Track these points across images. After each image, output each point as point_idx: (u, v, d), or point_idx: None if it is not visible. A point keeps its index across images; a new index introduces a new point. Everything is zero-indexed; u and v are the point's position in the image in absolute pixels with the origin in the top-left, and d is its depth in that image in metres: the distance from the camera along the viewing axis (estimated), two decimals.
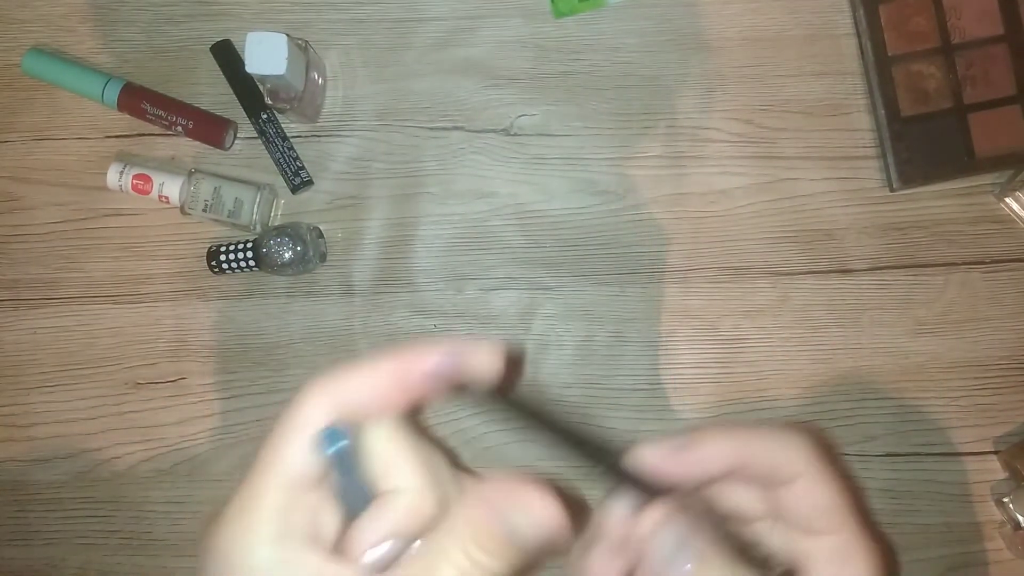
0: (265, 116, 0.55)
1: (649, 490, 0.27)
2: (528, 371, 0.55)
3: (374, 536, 0.24)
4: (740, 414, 0.55)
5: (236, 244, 0.54)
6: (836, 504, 0.28)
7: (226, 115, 0.56)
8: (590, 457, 0.27)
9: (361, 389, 0.25)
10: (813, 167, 0.56)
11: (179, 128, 0.55)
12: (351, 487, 0.25)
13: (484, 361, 0.26)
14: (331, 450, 0.24)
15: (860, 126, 0.56)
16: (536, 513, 0.25)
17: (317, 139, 0.56)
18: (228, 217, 0.54)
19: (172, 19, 0.57)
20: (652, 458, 0.27)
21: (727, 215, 0.56)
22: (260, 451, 0.25)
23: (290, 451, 0.24)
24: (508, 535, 0.24)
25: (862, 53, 0.55)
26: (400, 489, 0.25)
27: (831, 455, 0.29)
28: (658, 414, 0.55)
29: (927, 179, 0.55)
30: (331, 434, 0.24)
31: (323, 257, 0.55)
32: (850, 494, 0.28)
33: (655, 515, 0.26)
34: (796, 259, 0.55)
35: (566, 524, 0.25)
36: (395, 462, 0.25)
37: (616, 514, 0.27)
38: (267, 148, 0.55)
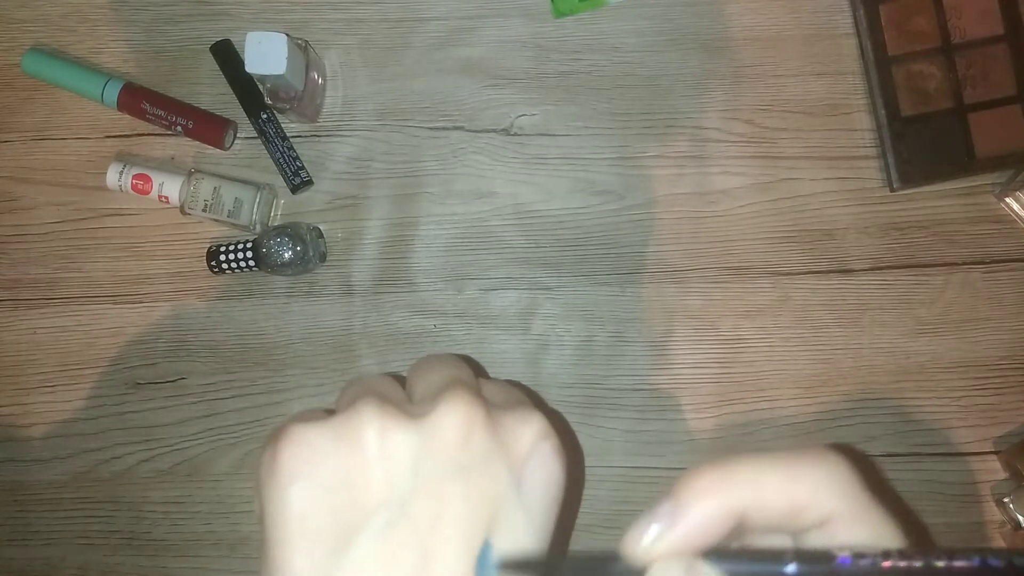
0: (265, 116, 0.55)
1: None
2: (529, 372, 0.55)
3: None
4: (740, 414, 0.55)
5: (236, 244, 0.54)
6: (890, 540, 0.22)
7: (226, 115, 0.56)
8: None
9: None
10: (813, 167, 0.56)
11: (179, 128, 0.55)
12: None
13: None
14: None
15: (860, 126, 0.56)
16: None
17: (317, 139, 0.56)
18: (228, 217, 0.54)
19: (172, 19, 0.57)
20: (647, 550, 0.22)
21: (727, 215, 0.55)
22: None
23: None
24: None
25: (862, 53, 0.55)
26: None
27: (872, 477, 0.23)
28: (658, 414, 0.55)
29: (927, 179, 0.55)
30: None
31: (323, 257, 0.55)
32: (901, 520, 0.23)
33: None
34: (796, 259, 0.55)
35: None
36: None
37: None
38: (267, 148, 0.55)
